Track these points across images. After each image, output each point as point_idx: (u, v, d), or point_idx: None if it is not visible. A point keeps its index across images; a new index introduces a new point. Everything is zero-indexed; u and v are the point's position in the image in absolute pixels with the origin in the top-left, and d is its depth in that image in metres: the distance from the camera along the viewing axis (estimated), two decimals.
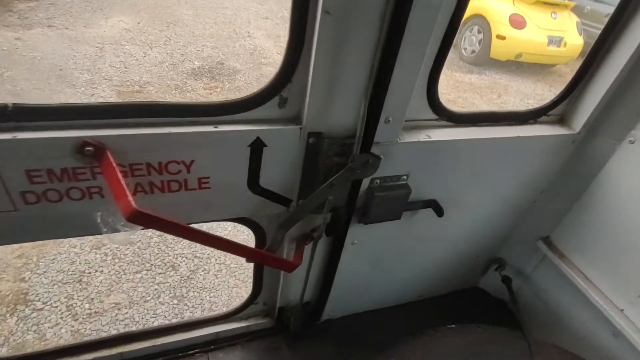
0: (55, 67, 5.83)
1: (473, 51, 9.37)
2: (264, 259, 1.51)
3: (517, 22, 8.89)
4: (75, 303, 2.98)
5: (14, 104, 1.00)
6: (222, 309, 3.13)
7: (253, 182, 1.37)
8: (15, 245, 3.27)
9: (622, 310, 1.80)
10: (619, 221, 1.79)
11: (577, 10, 10.06)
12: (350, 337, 2.17)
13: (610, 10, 1.57)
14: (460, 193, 1.82)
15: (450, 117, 1.58)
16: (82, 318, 2.88)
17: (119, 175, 1.00)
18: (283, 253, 1.68)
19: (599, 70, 1.65)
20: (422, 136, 1.51)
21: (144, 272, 3.30)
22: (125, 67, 6.29)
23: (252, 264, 1.77)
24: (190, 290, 3.22)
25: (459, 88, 8.12)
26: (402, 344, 1.74)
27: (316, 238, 1.62)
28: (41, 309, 2.89)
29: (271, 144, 1.30)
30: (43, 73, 5.65)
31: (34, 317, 2.83)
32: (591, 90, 1.70)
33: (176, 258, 3.47)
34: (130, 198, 0.95)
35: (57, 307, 2.93)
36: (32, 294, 2.97)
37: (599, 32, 1.59)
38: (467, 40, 9.44)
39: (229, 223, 3.48)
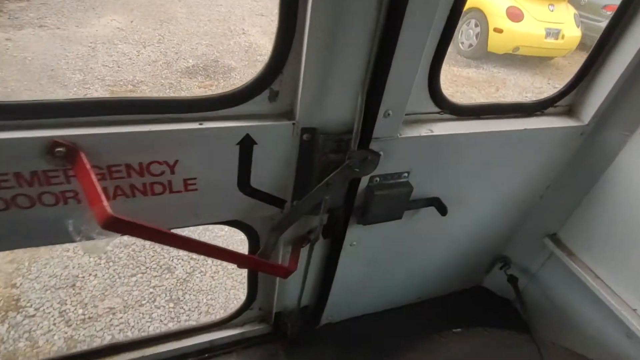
0: (47, 67, 5.74)
1: (470, 45, 9.29)
2: (256, 265, 1.43)
3: (515, 14, 8.82)
4: (69, 308, 2.90)
5: None
6: (220, 312, 3.08)
7: (243, 182, 1.29)
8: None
9: (635, 309, 1.72)
10: (630, 216, 1.71)
11: (575, 2, 9.97)
12: (350, 342, 2.09)
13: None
14: (463, 190, 1.74)
15: (454, 110, 1.50)
16: (76, 324, 2.81)
17: (93, 178, 0.91)
18: (278, 256, 1.60)
19: (609, 58, 1.57)
20: (423, 130, 1.42)
21: (139, 275, 3.23)
22: (119, 67, 6.20)
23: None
24: (186, 293, 3.15)
25: (456, 82, 8.06)
26: (407, 350, 1.67)
27: (313, 240, 1.53)
28: (33, 316, 2.82)
29: (262, 141, 1.21)
30: (34, 74, 5.56)
31: (26, 324, 2.75)
32: (601, 80, 1.61)
33: (172, 260, 3.39)
34: (105, 203, 0.86)
35: (49, 313, 2.85)
36: (23, 300, 2.90)
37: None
38: (464, 34, 9.36)
39: None
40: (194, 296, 3.13)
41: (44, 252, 3.28)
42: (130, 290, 3.10)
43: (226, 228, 3.64)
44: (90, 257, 3.31)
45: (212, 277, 3.30)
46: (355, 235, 1.66)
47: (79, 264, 3.23)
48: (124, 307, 2.97)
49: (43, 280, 3.06)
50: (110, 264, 3.28)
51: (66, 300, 2.95)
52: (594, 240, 1.89)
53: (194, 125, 1.11)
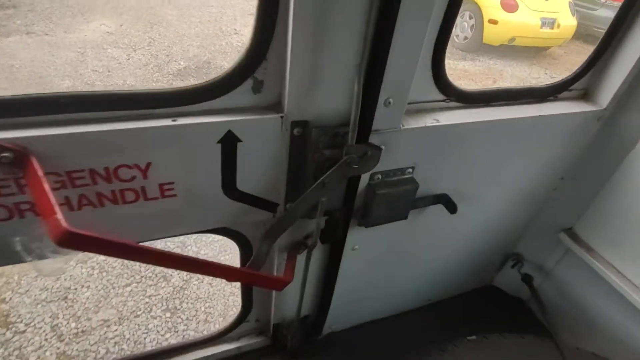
0: (35, 74, 5.64)
1: (465, 37, 9.21)
2: (247, 278, 1.29)
3: (509, 5, 8.74)
4: (61, 322, 2.80)
5: None
6: (219, 319, 2.98)
7: (229, 185, 1.15)
8: None
9: None
10: None
11: None
12: (355, 352, 1.96)
13: None
14: (473, 184, 1.61)
15: (460, 97, 1.37)
16: (69, 338, 2.71)
17: (45, 186, 0.78)
18: (272, 266, 1.47)
19: (627, 36, 1.44)
20: (429, 120, 1.29)
21: (134, 284, 3.13)
22: (109, 71, 6.11)
23: None
24: (183, 301, 3.05)
25: (453, 75, 7.85)
26: None
27: (310, 246, 1.40)
28: (24, 331, 2.72)
29: (247, 138, 1.07)
30: (22, 81, 5.46)
31: (16, 341, 2.65)
32: (619, 60, 1.49)
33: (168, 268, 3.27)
34: (59, 215, 0.73)
35: (40, 328, 2.75)
36: (13, 316, 2.79)
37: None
38: (458, 26, 9.25)
39: None
40: (192, 304, 3.03)
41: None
42: (125, 300, 3.00)
43: None
44: (82, 268, 3.22)
45: (210, 284, 3.20)
46: (357, 238, 1.53)
47: (70, 275, 3.13)
48: (119, 318, 2.87)
49: (33, 294, 2.96)
50: (104, 274, 3.18)
51: (58, 314, 2.85)
52: (614, 234, 1.76)
53: (167, 122, 0.98)
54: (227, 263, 1.20)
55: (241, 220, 1.27)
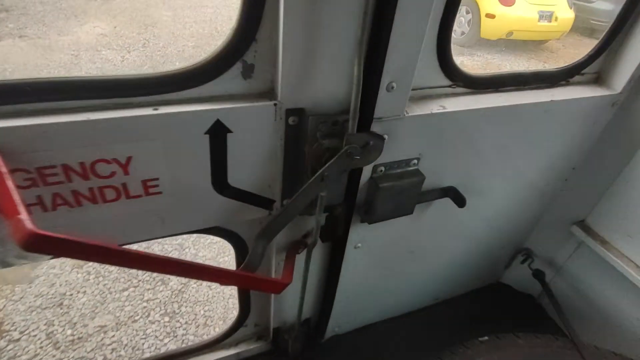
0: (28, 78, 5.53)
1: (462, 32, 9.14)
2: (242, 281, 1.19)
3: None
4: (56, 329, 2.74)
5: None
6: (219, 322, 2.91)
7: (219, 181, 1.07)
8: None
9: None
10: None
11: None
12: (361, 355, 1.88)
13: None
14: (481, 176, 1.53)
15: (468, 83, 1.29)
16: (64, 345, 2.64)
17: (9, 184, 0.69)
18: (270, 267, 1.38)
19: None
20: (435, 107, 1.21)
21: (131, 289, 3.07)
22: (102, 74, 6.00)
23: None
24: (182, 305, 2.99)
25: None
26: None
27: (310, 245, 1.32)
28: (18, 340, 2.65)
29: (237, 128, 0.99)
30: None
31: (10, 350, 2.58)
32: (634, 41, 1.40)
33: None
34: (24, 216, 0.64)
35: (35, 335, 2.69)
36: (7, 324, 2.73)
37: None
38: (455, 21, 9.18)
39: None
40: (191, 308, 2.97)
41: (28, 270, 3.12)
42: (122, 305, 2.94)
43: None
44: (78, 273, 3.16)
45: (209, 286, 3.13)
46: (360, 235, 1.45)
47: (66, 280, 3.08)
48: (116, 324, 2.81)
49: (28, 301, 2.90)
50: (100, 278, 3.12)
51: (53, 320, 2.79)
52: (630, 225, 1.68)
53: (148, 111, 0.89)
54: (225, 265, 1.12)
55: (235, 219, 1.19)
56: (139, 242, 1.10)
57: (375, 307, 1.95)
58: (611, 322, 1.84)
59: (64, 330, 2.73)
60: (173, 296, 3.03)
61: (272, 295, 1.55)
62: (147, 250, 0.93)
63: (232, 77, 0.95)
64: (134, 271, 3.19)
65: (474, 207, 1.58)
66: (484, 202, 1.67)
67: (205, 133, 0.96)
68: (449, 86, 1.26)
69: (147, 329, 2.79)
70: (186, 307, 2.96)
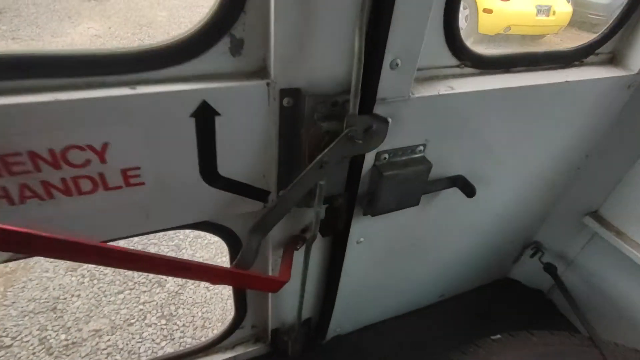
0: None
1: (460, 28, 9.04)
2: (235, 279, 1.10)
3: None
4: (50, 334, 2.67)
5: None
6: (217, 324, 2.84)
7: (208, 170, 0.98)
8: None
9: None
10: None
11: None
12: (365, 356, 1.79)
13: None
14: (491, 164, 1.45)
15: (477, 63, 1.20)
16: (58, 351, 2.58)
17: None
18: (267, 264, 1.29)
19: None
20: (442, 88, 1.12)
21: (127, 291, 3.01)
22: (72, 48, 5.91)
23: None
24: (179, 307, 2.93)
25: None
26: None
27: (309, 240, 1.23)
28: (10, 346, 2.59)
29: (226, 110, 0.90)
30: None
31: (2, 356, 2.53)
32: None
33: None
34: None
35: (28, 341, 2.62)
36: None
37: None
38: None
39: None
40: (188, 310, 2.91)
41: (20, 274, 3.07)
42: (118, 309, 2.87)
43: None
44: (72, 277, 3.10)
45: (207, 287, 3.08)
46: (362, 229, 1.37)
47: (59, 284, 3.01)
48: (112, 328, 2.75)
49: (20, 306, 2.83)
50: (95, 281, 3.06)
51: (46, 325, 2.72)
52: None
53: (125, 91, 0.80)
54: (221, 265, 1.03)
55: (227, 212, 1.10)
56: (121, 238, 1.01)
57: (378, 305, 1.87)
58: (627, 316, 1.76)
59: (57, 335, 2.66)
60: (170, 298, 2.97)
61: (270, 294, 1.46)
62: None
63: (219, 54, 0.86)
64: (129, 273, 3.13)
65: (482, 198, 1.49)
66: (493, 193, 1.58)
67: (191, 116, 0.87)
68: (457, 66, 1.18)
69: (143, 333, 2.73)
70: (183, 309, 2.91)
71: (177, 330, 2.77)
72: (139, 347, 2.64)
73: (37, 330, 2.67)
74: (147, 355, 2.61)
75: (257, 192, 1.09)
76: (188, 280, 3.09)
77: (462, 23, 9.01)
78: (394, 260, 1.64)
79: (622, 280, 1.76)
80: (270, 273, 1.34)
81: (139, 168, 0.90)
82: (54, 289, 2.96)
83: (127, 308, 2.87)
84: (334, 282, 1.47)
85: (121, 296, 2.95)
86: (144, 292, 3.01)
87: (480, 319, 1.96)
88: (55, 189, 0.84)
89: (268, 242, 1.24)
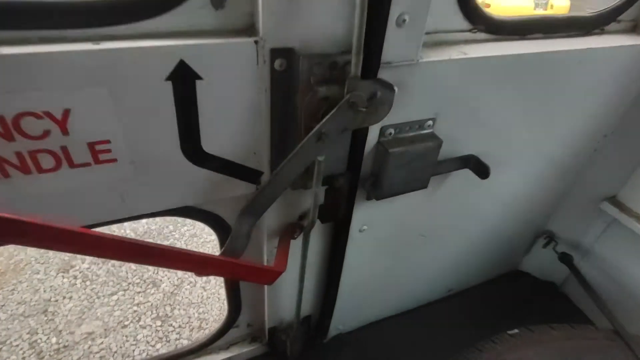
0: None
1: None
2: (223, 268, 0.96)
3: None
4: (40, 338, 2.60)
5: None
6: (214, 325, 2.77)
7: (191, 145, 0.86)
8: None
9: None
10: None
11: None
12: (369, 356, 1.68)
13: None
14: (504, 143, 1.33)
15: (491, 27, 1.09)
16: (49, 355, 2.51)
17: None
18: (262, 256, 1.18)
19: None
20: (454, 53, 1.00)
21: (121, 292, 2.93)
22: None
23: None
24: (175, 307, 2.85)
25: None
26: None
27: (307, 227, 1.11)
28: None
29: (209, 73, 0.78)
30: None
31: None
32: None
33: (157, 273, 3.09)
34: None
35: (17, 345, 2.55)
36: None
37: None
38: None
39: None
40: (184, 310, 2.83)
41: (10, 276, 2.99)
42: (111, 310, 2.80)
43: None
44: (64, 278, 3.02)
45: (203, 287, 3.00)
46: (366, 216, 1.26)
47: (51, 286, 2.93)
48: (105, 330, 2.67)
49: (10, 309, 2.76)
50: (88, 283, 2.98)
51: (37, 329, 2.65)
52: None
53: (86, 46, 0.67)
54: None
55: (213, 196, 0.98)
56: (96, 226, 0.89)
57: (383, 300, 1.76)
58: None
59: (48, 338, 2.59)
60: (165, 299, 2.90)
61: (266, 289, 1.35)
62: None
63: (198, 6, 0.74)
64: (123, 274, 3.07)
65: (494, 182, 1.38)
66: (505, 177, 1.47)
67: (167, 79, 0.75)
68: (469, 30, 1.06)
69: (137, 335, 2.66)
70: (179, 309, 2.83)
71: (172, 331, 2.69)
72: (133, 350, 2.57)
73: (27, 334, 2.61)
74: (141, 358, 2.53)
75: (248, 173, 0.97)
76: (184, 280, 3.02)
77: None
78: (399, 251, 1.53)
79: None
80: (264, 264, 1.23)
81: (108, 142, 0.78)
82: (45, 291, 2.89)
83: (121, 309, 2.80)
84: (335, 275, 1.36)
85: (115, 297, 2.88)
86: (139, 293, 2.93)
87: (491, 314, 1.85)
88: (10, 166, 0.72)
89: (262, 231, 1.13)
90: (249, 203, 0.94)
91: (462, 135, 1.21)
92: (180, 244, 3.28)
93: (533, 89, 1.24)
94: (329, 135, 0.85)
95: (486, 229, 1.73)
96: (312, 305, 1.55)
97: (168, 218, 3.48)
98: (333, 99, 0.84)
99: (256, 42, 0.78)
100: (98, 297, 2.86)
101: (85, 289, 2.91)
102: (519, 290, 2.05)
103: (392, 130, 1.06)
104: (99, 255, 0.70)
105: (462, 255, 1.79)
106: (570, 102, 1.36)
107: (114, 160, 0.80)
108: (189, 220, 3.46)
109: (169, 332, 2.68)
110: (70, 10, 0.68)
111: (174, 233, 3.38)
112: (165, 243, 3.25)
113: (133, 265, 3.09)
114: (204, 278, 3.03)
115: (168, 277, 3.03)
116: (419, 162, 1.11)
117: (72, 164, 0.77)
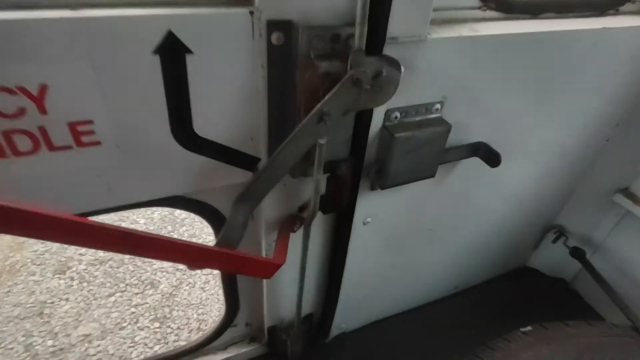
0: None
1: None
2: (217, 260, 0.90)
3: None
4: (36, 341, 2.55)
5: None
6: (213, 327, 2.70)
7: (182, 127, 0.79)
8: None
9: None
10: None
11: None
12: (374, 356, 1.62)
13: None
14: (514, 130, 1.27)
15: (502, 5, 1.04)
16: (45, 358, 2.46)
17: None
18: (260, 249, 1.12)
19: None
20: (464, 30, 0.94)
21: (118, 294, 2.88)
22: None
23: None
24: (173, 309, 2.80)
25: None
26: None
27: (308, 219, 1.05)
28: None
29: (200, 47, 0.71)
30: None
31: None
32: None
33: (155, 273, 3.05)
34: None
35: (12, 348, 2.50)
36: None
37: None
38: None
39: None
40: (183, 312, 2.79)
41: (5, 278, 2.94)
42: (109, 312, 2.75)
43: None
44: (60, 279, 2.99)
45: (203, 288, 2.96)
46: (370, 207, 1.20)
47: (47, 287, 2.88)
48: (102, 332, 2.63)
49: (5, 312, 2.71)
50: (84, 284, 2.93)
51: (32, 331, 2.60)
52: None
53: (64, 13, 0.61)
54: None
55: (207, 184, 0.92)
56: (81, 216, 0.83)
57: (388, 298, 1.70)
58: None
59: (44, 341, 2.54)
60: (164, 300, 2.85)
61: (264, 286, 1.29)
62: None
63: None
64: (120, 275, 3.03)
65: (503, 172, 1.32)
66: (514, 166, 1.41)
67: (154, 52, 0.68)
68: (479, 8, 1.01)
69: (135, 337, 2.61)
70: (178, 311, 2.78)
71: (171, 333, 2.65)
72: (131, 352, 2.52)
73: (23, 336, 2.56)
74: None
75: (244, 159, 0.91)
76: (182, 281, 2.97)
77: None
78: (405, 245, 1.47)
79: None
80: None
81: (91, 122, 0.71)
82: (40, 292, 2.83)
83: (119, 311, 2.75)
84: (337, 271, 1.30)
85: (112, 299, 2.83)
86: (136, 294, 2.88)
87: (499, 312, 1.80)
88: None
89: (260, 223, 1.07)
90: (244, 190, 0.87)
91: (470, 121, 1.15)
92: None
93: (545, 72, 1.17)
94: (331, 116, 0.78)
95: (494, 222, 1.67)
96: (314, 302, 1.49)
97: (166, 218, 3.44)
98: (335, 75, 0.78)
99: (251, 12, 0.72)
100: (95, 299, 2.81)
101: (82, 291, 2.86)
102: (528, 287, 1.99)
103: (397, 114, 1.00)
104: (83, 245, 0.64)
105: (470, 250, 1.73)
106: (583, 88, 1.30)
107: (98, 142, 0.74)
108: (187, 220, 3.42)
109: (167, 334, 2.63)
110: None
111: (172, 233, 3.34)
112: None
113: (131, 266, 3.05)
114: (203, 278, 2.99)
115: (166, 278, 2.98)
116: (426, 149, 1.04)
117: (51, 147, 0.70)
